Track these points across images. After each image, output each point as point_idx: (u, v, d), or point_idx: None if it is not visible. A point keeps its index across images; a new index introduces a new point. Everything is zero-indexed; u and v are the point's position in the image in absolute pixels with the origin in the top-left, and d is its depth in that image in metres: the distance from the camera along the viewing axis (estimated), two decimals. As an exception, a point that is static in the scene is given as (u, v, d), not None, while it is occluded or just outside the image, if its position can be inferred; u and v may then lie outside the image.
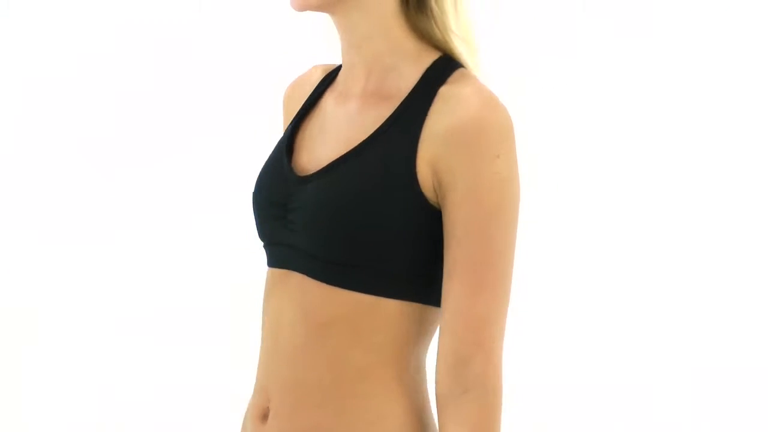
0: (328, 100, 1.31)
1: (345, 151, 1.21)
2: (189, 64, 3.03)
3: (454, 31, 1.23)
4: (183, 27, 3.02)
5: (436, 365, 1.18)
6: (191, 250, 3.02)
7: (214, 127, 3.02)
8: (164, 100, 3.03)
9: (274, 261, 1.27)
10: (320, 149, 1.27)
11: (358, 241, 1.17)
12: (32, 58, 3.04)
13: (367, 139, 1.21)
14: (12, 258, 3.06)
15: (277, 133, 1.40)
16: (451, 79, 1.20)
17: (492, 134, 1.15)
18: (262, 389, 1.26)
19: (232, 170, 2.95)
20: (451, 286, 1.16)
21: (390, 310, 1.19)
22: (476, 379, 1.15)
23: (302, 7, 1.23)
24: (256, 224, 1.32)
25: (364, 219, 1.17)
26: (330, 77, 1.35)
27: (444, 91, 1.19)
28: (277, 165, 1.30)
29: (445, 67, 1.22)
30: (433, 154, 1.16)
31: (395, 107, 1.21)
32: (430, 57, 1.24)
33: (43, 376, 3.04)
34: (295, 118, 1.34)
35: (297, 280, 1.22)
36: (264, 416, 1.24)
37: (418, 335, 1.21)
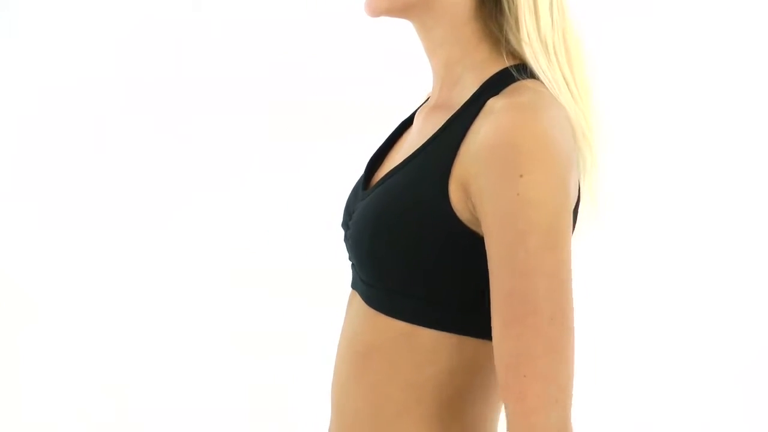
0: (419, 112, 1.24)
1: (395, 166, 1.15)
2: (189, 64, 3.03)
3: (530, 37, 1.09)
4: (182, 27, 3.02)
5: None
6: (191, 247, 3.02)
7: (212, 127, 3.02)
8: (163, 98, 3.03)
9: (352, 278, 1.22)
10: (388, 164, 1.22)
11: (386, 261, 1.09)
12: (32, 58, 3.04)
13: (412, 153, 1.12)
14: (10, 256, 3.06)
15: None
16: (506, 90, 1.08)
17: (516, 150, 0.99)
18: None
19: (230, 170, 2.96)
20: (492, 321, 1.04)
21: (427, 341, 1.09)
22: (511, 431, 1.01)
23: (375, 13, 1.14)
24: None
25: (392, 238, 1.08)
26: None
27: (491, 103, 1.06)
28: (359, 180, 1.25)
29: (507, 76, 1.10)
30: (464, 173, 1.04)
31: (446, 119, 1.11)
32: (498, 66, 1.12)
33: (42, 373, 3.05)
34: (392, 132, 1.28)
35: (357, 301, 1.18)
36: None
37: (461, 370, 1.10)
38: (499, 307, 1.01)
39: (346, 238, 1.18)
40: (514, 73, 1.10)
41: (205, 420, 2.98)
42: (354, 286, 1.19)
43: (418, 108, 1.30)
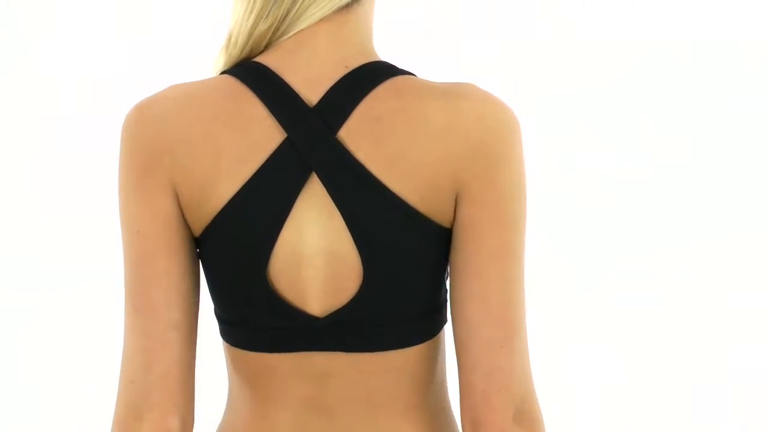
0: None
1: None
2: (189, 64, 3.03)
3: None
4: (183, 26, 3.03)
5: None
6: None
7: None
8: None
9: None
10: None
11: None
12: (31, 57, 3.04)
13: None
14: (7, 257, 3.06)
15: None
16: None
17: None
18: None
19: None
20: None
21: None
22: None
23: None
24: None
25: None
26: None
27: None
28: None
29: None
30: None
31: None
32: None
33: (39, 373, 3.05)
34: None
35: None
36: None
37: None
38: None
39: None
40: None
41: (206, 420, 2.98)
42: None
43: None
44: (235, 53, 1.13)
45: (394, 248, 1.06)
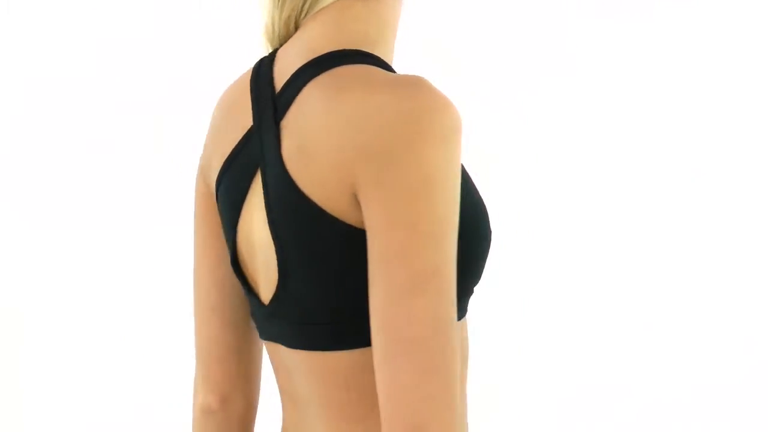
0: None
1: None
2: (189, 64, 3.03)
3: None
4: (182, 27, 3.02)
5: None
6: (186, 250, 3.02)
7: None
8: (164, 99, 3.03)
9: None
10: None
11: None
12: (31, 57, 3.04)
13: None
14: (3, 258, 3.06)
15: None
16: None
17: None
18: None
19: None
20: None
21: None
22: None
23: None
24: (483, 268, 1.12)
25: None
26: None
27: None
28: None
29: None
30: None
31: None
32: None
33: (36, 376, 3.05)
34: None
35: None
36: None
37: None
38: None
39: None
40: None
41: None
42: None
43: None
44: (273, 40, 1.13)
45: (304, 246, 1.00)
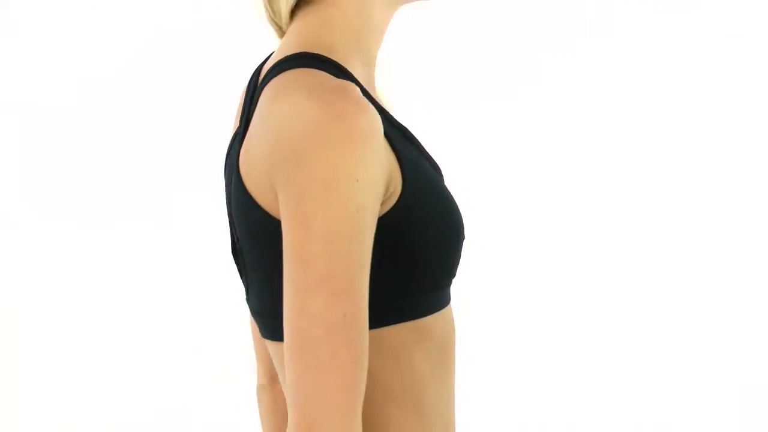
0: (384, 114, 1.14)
1: None
2: (188, 63, 3.03)
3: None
4: (183, 27, 3.02)
5: None
6: (194, 248, 3.02)
7: (213, 127, 3.03)
8: (165, 98, 3.03)
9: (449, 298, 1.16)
10: None
11: None
12: (31, 57, 3.04)
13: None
14: (7, 258, 3.06)
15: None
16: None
17: None
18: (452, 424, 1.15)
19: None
20: None
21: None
22: None
23: None
24: (457, 262, 1.12)
25: None
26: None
27: None
28: None
29: None
30: None
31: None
32: None
33: (36, 376, 3.05)
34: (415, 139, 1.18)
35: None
36: None
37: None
38: None
39: None
40: None
41: (211, 420, 2.98)
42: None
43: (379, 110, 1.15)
44: (278, 32, 1.18)
45: (252, 241, 1.05)
